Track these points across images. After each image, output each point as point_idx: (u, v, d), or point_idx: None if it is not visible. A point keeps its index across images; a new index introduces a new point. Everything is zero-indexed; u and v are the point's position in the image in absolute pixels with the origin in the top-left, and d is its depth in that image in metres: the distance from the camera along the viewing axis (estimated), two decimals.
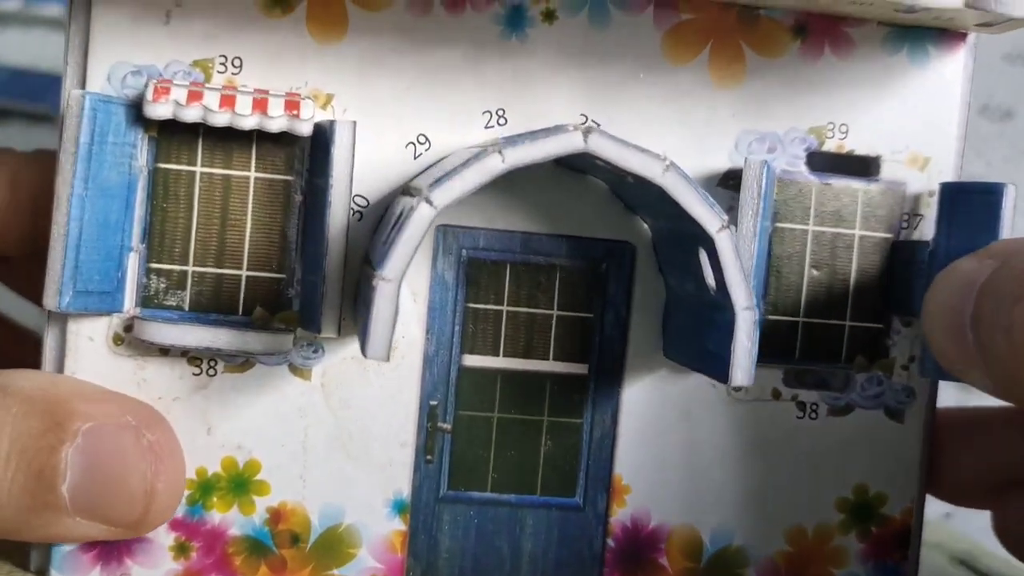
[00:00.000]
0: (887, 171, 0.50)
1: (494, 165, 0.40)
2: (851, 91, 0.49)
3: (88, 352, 0.46)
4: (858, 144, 0.50)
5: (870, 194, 0.50)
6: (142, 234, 0.46)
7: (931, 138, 0.50)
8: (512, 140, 0.40)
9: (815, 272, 0.49)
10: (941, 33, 0.49)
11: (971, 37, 0.50)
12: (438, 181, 0.40)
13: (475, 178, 0.40)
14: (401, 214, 0.41)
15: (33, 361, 0.47)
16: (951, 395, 0.52)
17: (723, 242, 0.41)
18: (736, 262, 0.41)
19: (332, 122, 0.44)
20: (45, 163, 0.53)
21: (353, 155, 0.44)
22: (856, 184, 0.49)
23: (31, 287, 0.57)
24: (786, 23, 0.49)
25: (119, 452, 0.43)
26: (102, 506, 0.43)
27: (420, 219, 0.40)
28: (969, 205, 0.47)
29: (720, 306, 0.43)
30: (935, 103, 0.50)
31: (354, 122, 0.44)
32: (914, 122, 0.50)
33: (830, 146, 0.49)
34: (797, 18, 0.49)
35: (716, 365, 0.43)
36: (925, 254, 0.49)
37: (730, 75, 0.48)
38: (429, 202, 0.40)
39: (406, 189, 0.46)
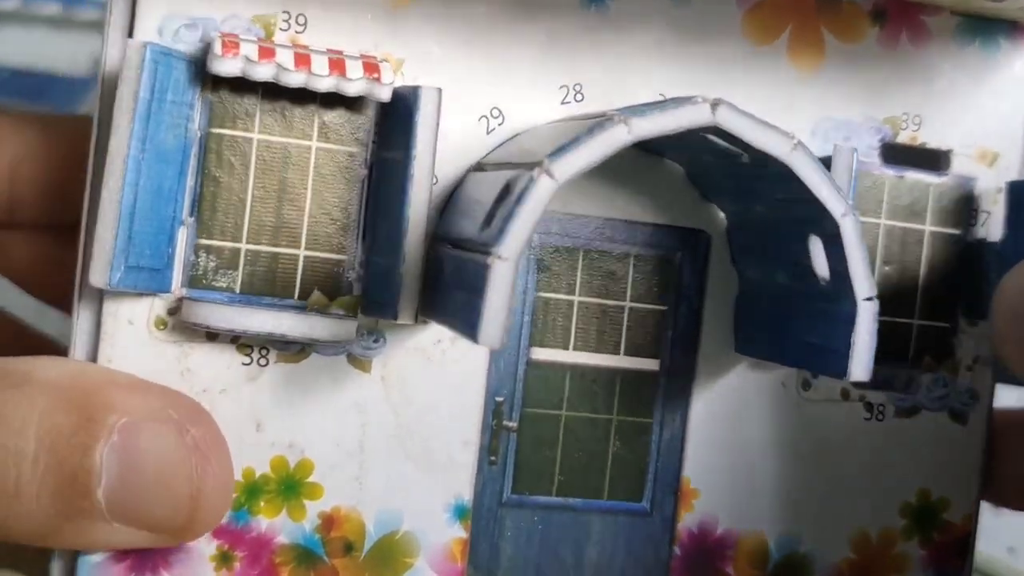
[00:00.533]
0: (957, 166, 0.48)
1: (619, 136, 0.37)
2: (925, 81, 0.48)
3: (127, 337, 0.41)
4: (930, 137, 0.48)
5: (940, 189, 0.48)
6: (191, 207, 0.41)
7: (999, 133, 0.49)
8: (639, 109, 0.37)
9: (886, 268, 0.48)
10: (1012, 27, 0.48)
11: None
12: (559, 152, 0.37)
13: (599, 149, 0.37)
14: (509, 188, 0.37)
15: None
16: (1010, 396, 0.51)
17: (848, 227, 0.39)
18: (860, 249, 0.39)
19: (416, 88, 0.40)
20: (30, 126, 0.48)
21: (437, 126, 0.40)
22: (928, 178, 0.48)
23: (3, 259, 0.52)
24: (865, 7, 0.47)
25: (161, 450, 0.38)
26: (143, 511, 0.38)
27: (541, 193, 0.36)
28: None
29: (832, 296, 0.40)
30: (1004, 98, 0.49)
31: (439, 89, 0.40)
32: (984, 116, 0.48)
33: (903, 137, 0.48)
34: (876, 3, 0.47)
35: (823, 359, 0.41)
36: (993, 253, 0.48)
37: (809, 59, 0.46)
38: (550, 174, 0.36)
39: (480, 166, 0.43)
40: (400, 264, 0.40)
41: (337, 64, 0.40)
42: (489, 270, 0.36)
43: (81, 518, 0.38)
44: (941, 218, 0.48)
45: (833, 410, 0.48)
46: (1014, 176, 0.49)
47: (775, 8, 0.46)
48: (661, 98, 0.45)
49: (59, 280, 0.52)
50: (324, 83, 0.40)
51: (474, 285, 0.37)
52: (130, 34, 0.40)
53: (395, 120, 0.41)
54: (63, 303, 0.53)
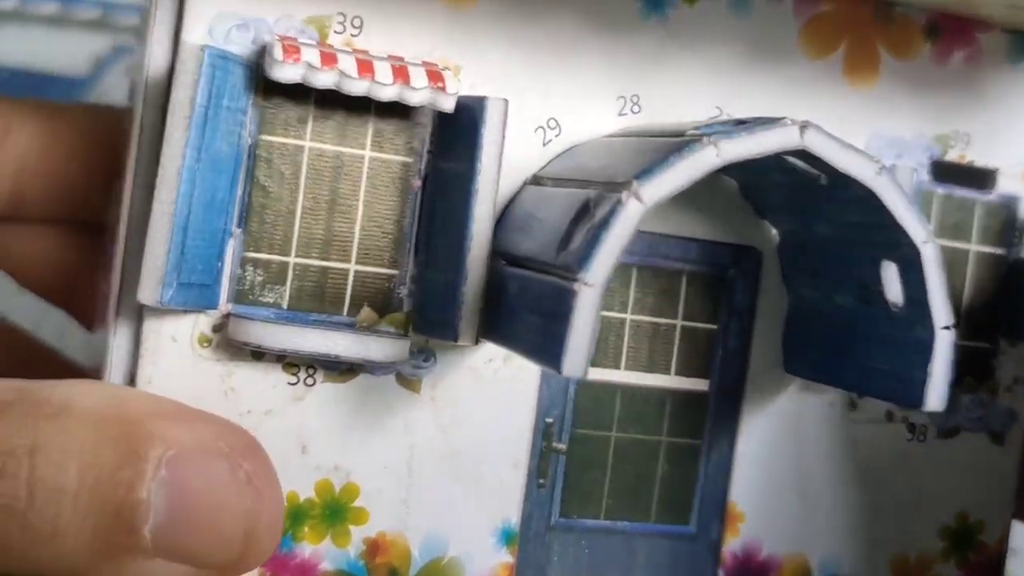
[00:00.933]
0: (1003, 184, 0.48)
1: (708, 159, 0.36)
2: (975, 99, 0.47)
3: (169, 355, 0.38)
4: (977, 155, 0.47)
5: (986, 208, 0.48)
6: (239, 218, 0.39)
7: None
8: (726, 131, 0.36)
9: None
10: None
11: None
12: (647, 173, 0.35)
13: (688, 172, 0.35)
14: (588, 209, 0.36)
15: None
16: None
17: (929, 254, 0.38)
18: (940, 277, 0.38)
19: (482, 99, 0.38)
20: (38, 116, 0.46)
21: (503, 138, 0.39)
22: (974, 196, 0.47)
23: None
24: (919, 22, 0.46)
25: (213, 485, 0.36)
26: (192, 548, 0.36)
27: (629, 217, 0.35)
28: None
29: (906, 323, 0.39)
30: None
31: (505, 100, 0.39)
32: None
33: (952, 155, 0.47)
34: (929, 17, 0.46)
35: (892, 386, 0.40)
36: None
37: (864, 75, 0.45)
38: (638, 198, 0.35)
39: (536, 179, 0.41)
40: (462, 282, 0.38)
41: (401, 72, 0.38)
42: (576, 297, 0.34)
43: (124, 556, 0.35)
44: (985, 237, 0.48)
45: (877, 431, 0.47)
46: None
47: (832, 22, 0.45)
48: (718, 111, 0.44)
49: (64, 278, 0.49)
50: (387, 92, 0.38)
51: (555, 311, 0.35)
52: (176, 34, 0.38)
53: (457, 130, 0.39)
54: (68, 304, 0.50)
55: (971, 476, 0.48)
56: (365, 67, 0.38)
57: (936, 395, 0.39)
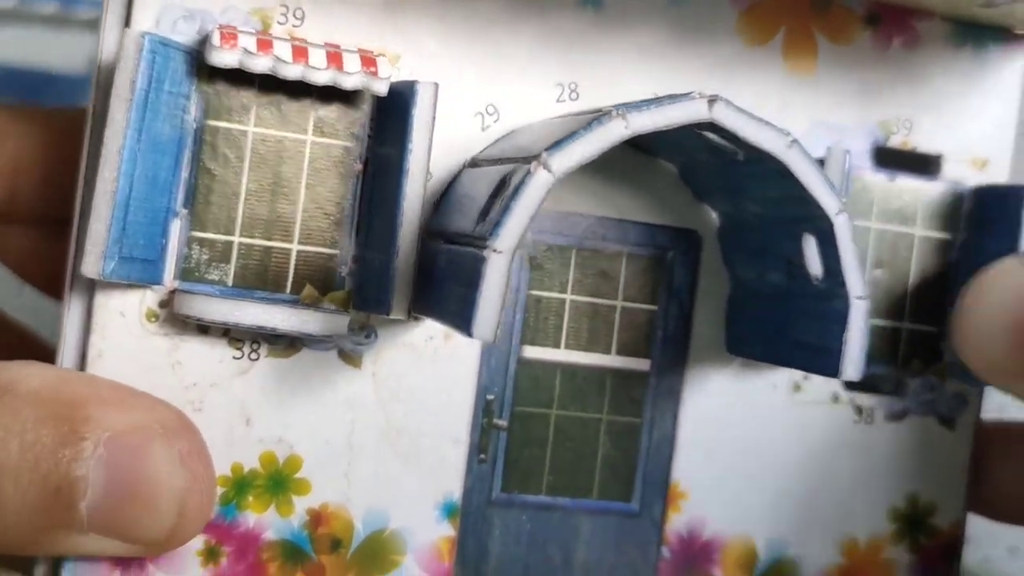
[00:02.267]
0: (948, 170, 0.49)
1: (617, 131, 0.37)
2: (916, 86, 0.48)
3: (118, 329, 0.40)
4: (921, 141, 0.48)
5: (931, 194, 0.48)
6: (185, 198, 0.41)
7: (990, 139, 0.49)
8: (636, 104, 0.37)
9: (877, 272, 0.48)
10: (1003, 33, 0.49)
11: None
12: (557, 145, 0.37)
13: (596, 144, 0.37)
14: (505, 181, 0.37)
15: None
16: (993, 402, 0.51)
17: (842, 226, 0.39)
18: (852, 248, 0.39)
19: (412, 83, 0.40)
20: (31, 119, 0.48)
21: (434, 121, 0.40)
22: (919, 182, 0.48)
23: None
24: (857, 10, 0.47)
25: (146, 465, 0.37)
26: (126, 525, 0.38)
27: (538, 186, 0.36)
28: (993, 207, 0.47)
29: (824, 295, 0.40)
30: (994, 103, 0.49)
31: (436, 84, 0.40)
32: (974, 122, 0.49)
33: (895, 142, 0.48)
34: (868, 5, 0.47)
35: (816, 359, 0.41)
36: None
37: (803, 61, 0.47)
38: (547, 168, 0.36)
39: (474, 162, 0.43)
40: (393, 259, 0.40)
41: (335, 58, 0.40)
42: (485, 263, 0.36)
43: (61, 531, 0.37)
44: (931, 222, 0.48)
45: (823, 412, 0.48)
46: (1003, 180, 0.49)
47: (770, 9, 0.46)
48: (654, 97, 0.45)
49: (57, 274, 0.52)
50: (321, 76, 0.40)
51: (469, 278, 0.37)
52: (127, 25, 0.40)
53: (391, 115, 0.41)
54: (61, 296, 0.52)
55: (921, 459, 0.49)
56: (300, 53, 0.40)
57: (852, 364, 0.40)
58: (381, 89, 0.40)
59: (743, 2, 0.46)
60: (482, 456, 0.44)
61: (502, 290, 0.36)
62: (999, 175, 0.49)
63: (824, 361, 0.40)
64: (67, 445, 0.37)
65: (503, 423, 0.44)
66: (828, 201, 0.39)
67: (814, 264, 0.41)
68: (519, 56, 0.44)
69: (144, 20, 0.40)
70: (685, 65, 0.45)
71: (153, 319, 0.41)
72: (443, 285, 0.39)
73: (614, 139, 0.37)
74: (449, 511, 0.44)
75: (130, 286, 0.40)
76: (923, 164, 0.48)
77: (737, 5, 0.46)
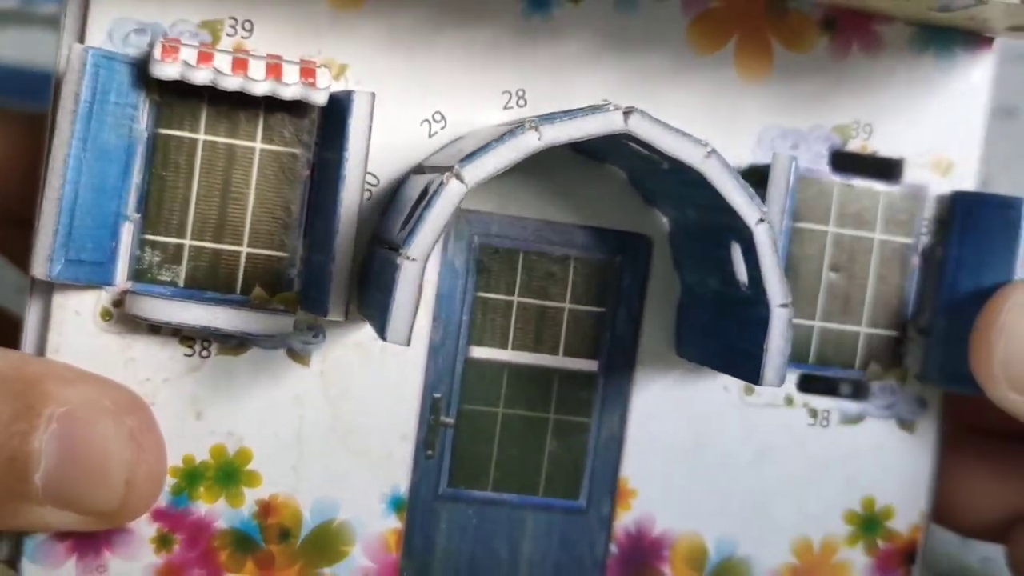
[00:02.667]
0: (910, 174, 0.49)
1: (529, 142, 0.38)
2: (877, 90, 0.48)
3: (74, 327, 0.43)
4: (882, 145, 0.48)
5: (892, 197, 0.48)
6: (138, 204, 0.43)
7: (955, 142, 0.49)
8: (549, 117, 0.38)
9: (833, 275, 0.48)
10: (969, 36, 0.48)
11: (997, 42, 0.49)
12: (470, 157, 0.38)
13: (509, 155, 0.38)
14: (427, 191, 0.39)
15: None
16: None
17: (761, 235, 0.39)
18: (773, 256, 0.40)
19: (350, 92, 0.42)
20: (17, 122, 0.50)
21: (370, 129, 0.42)
22: (878, 186, 0.48)
23: None
24: (814, 17, 0.47)
25: (97, 439, 0.40)
26: (78, 496, 0.40)
27: (449, 196, 0.38)
28: (985, 217, 0.46)
29: (752, 302, 0.41)
30: (960, 107, 0.49)
31: (373, 93, 0.42)
32: (938, 125, 0.48)
33: (854, 146, 0.48)
34: (826, 12, 0.47)
35: (745, 364, 0.41)
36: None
37: (756, 68, 0.47)
38: (460, 178, 0.38)
39: (420, 168, 0.44)
40: (330, 263, 0.42)
41: (274, 69, 0.42)
42: (399, 270, 0.37)
43: (17, 501, 0.39)
44: (892, 226, 0.48)
45: (776, 415, 0.48)
46: (969, 185, 0.49)
47: (721, 17, 0.46)
48: (604, 104, 0.46)
49: None
50: (260, 87, 0.41)
51: (386, 284, 0.38)
52: (83, 37, 0.42)
53: (333, 123, 0.43)
54: None
55: (879, 462, 0.49)
56: (239, 65, 0.41)
57: (772, 372, 0.40)
58: (319, 99, 0.42)
59: (694, 9, 0.46)
60: (429, 452, 0.46)
61: (415, 296, 0.38)
62: (966, 178, 0.49)
63: (750, 367, 0.41)
64: (22, 419, 0.39)
65: (450, 420, 0.46)
66: (747, 211, 0.39)
67: (741, 271, 0.41)
68: (466, 64, 0.45)
69: (98, 32, 0.42)
70: (634, 73, 0.46)
71: (107, 317, 0.43)
72: (371, 288, 0.40)
73: (527, 151, 0.38)
74: (396, 504, 0.45)
75: (86, 286, 0.42)
76: (883, 168, 0.48)
77: (688, 12, 0.46)
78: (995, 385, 0.44)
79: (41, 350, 0.43)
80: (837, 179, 0.48)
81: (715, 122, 0.47)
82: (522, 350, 0.46)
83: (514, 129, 0.38)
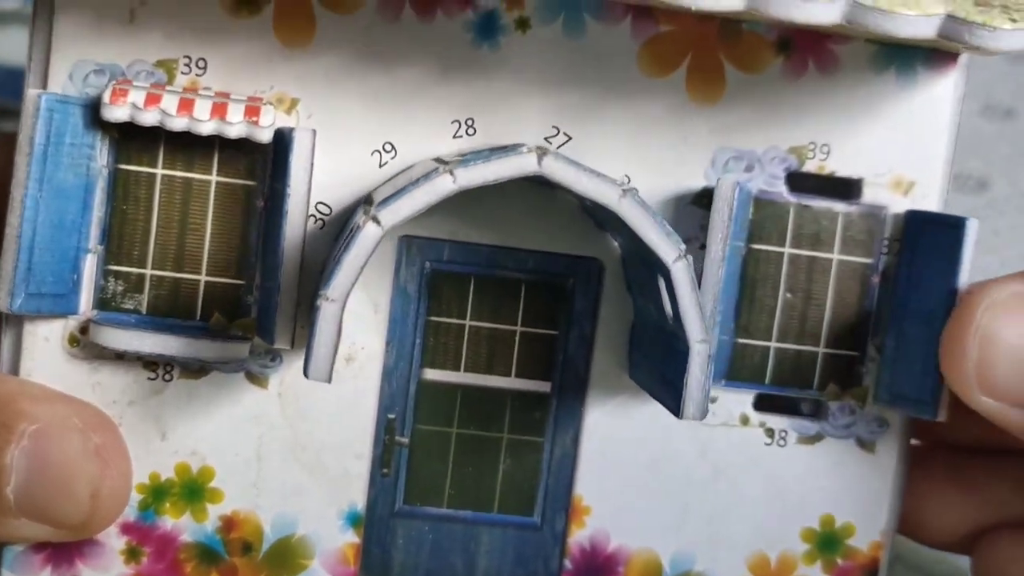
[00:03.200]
0: (869, 194, 0.48)
1: (444, 186, 0.39)
2: (834, 111, 0.48)
3: (44, 353, 0.45)
4: (840, 166, 0.48)
5: (850, 218, 0.48)
6: (101, 235, 0.45)
7: (917, 162, 0.48)
8: (465, 160, 0.39)
9: (790, 296, 0.48)
10: (932, 53, 0.48)
11: (963, 57, 0.48)
12: (387, 200, 0.39)
13: (424, 198, 0.39)
14: (351, 230, 0.40)
15: None
16: None
17: (679, 273, 0.40)
18: (692, 294, 0.40)
19: (291, 130, 0.43)
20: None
21: (312, 164, 0.43)
22: (836, 207, 0.48)
23: None
24: (769, 38, 0.47)
25: (64, 455, 0.43)
26: (47, 508, 0.43)
27: (366, 239, 0.39)
28: (932, 237, 0.46)
29: (678, 336, 0.41)
30: (923, 126, 0.48)
31: (313, 131, 0.43)
32: (899, 145, 0.48)
33: (810, 167, 0.48)
34: (781, 33, 0.47)
35: (670, 396, 0.42)
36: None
37: (708, 91, 0.47)
38: (376, 221, 0.39)
39: (368, 198, 0.45)
40: (276, 291, 0.43)
41: (219, 109, 0.43)
42: (318, 311, 0.39)
43: None
44: (850, 247, 0.48)
45: (732, 434, 0.49)
46: (933, 204, 0.49)
47: (672, 40, 0.47)
48: (555, 131, 0.47)
49: None
50: (205, 127, 0.43)
51: (312, 321, 0.40)
52: (46, 79, 0.44)
53: (280, 157, 0.44)
54: None
55: (838, 481, 0.49)
56: (185, 105, 0.43)
57: (692, 406, 0.41)
58: (264, 137, 0.44)
59: (644, 34, 0.47)
60: (385, 470, 0.47)
61: (334, 336, 0.39)
62: (928, 197, 0.48)
63: (673, 399, 0.42)
64: None
65: (404, 440, 0.47)
66: (664, 250, 0.40)
67: (667, 305, 0.42)
68: (415, 94, 0.46)
69: (60, 74, 0.44)
70: (584, 99, 0.47)
71: (75, 344, 0.45)
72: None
73: (442, 194, 0.39)
74: (353, 520, 0.47)
75: (54, 316, 0.45)
76: (841, 188, 0.48)
77: (638, 37, 0.47)
78: (968, 388, 0.44)
79: (15, 374, 0.45)
80: (793, 200, 0.48)
81: (667, 146, 0.47)
82: (474, 372, 0.47)
83: (430, 173, 0.39)
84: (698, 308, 0.40)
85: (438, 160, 0.44)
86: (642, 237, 0.40)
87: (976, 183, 0.77)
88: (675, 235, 0.40)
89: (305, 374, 0.39)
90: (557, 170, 0.39)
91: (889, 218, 0.48)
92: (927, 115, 0.48)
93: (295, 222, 0.43)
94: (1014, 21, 0.38)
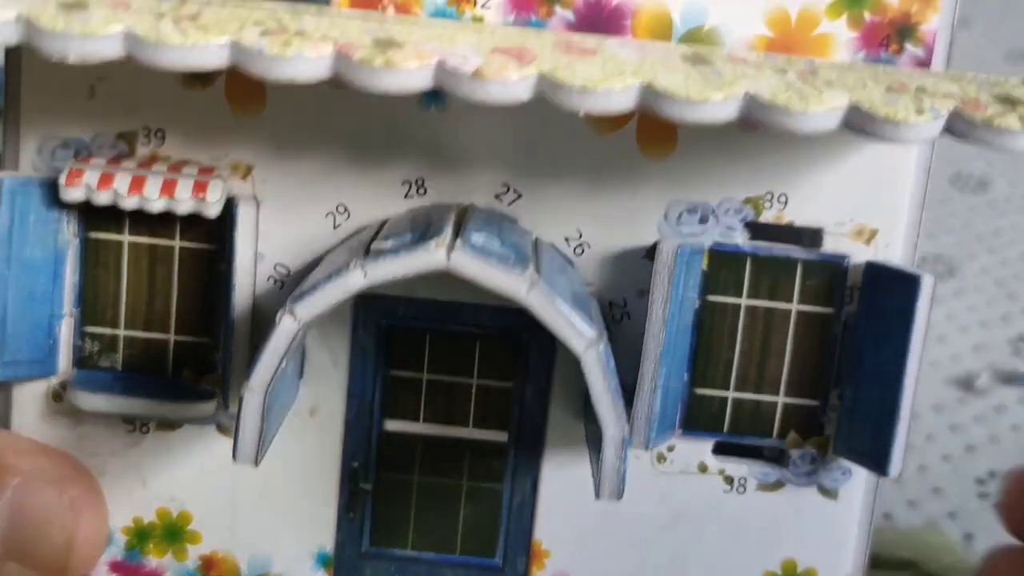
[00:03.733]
0: (829, 243, 0.47)
1: (356, 282, 0.40)
2: (791, 160, 0.47)
3: (32, 408, 0.49)
4: (798, 215, 0.47)
5: (810, 267, 0.47)
6: (76, 299, 0.48)
7: (879, 210, 0.47)
8: (376, 255, 0.40)
9: (747, 346, 0.48)
10: None
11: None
12: (302, 295, 0.41)
13: (337, 293, 0.40)
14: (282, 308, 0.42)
15: None
16: None
17: (589, 363, 0.41)
18: (604, 382, 0.41)
19: (235, 200, 0.45)
20: None
21: (256, 235, 0.45)
22: (795, 256, 0.47)
23: None
24: None
25: (42, 506, 0.46)
26: (30, 554, 0.47)
27: (283, 332, 0.41)
28: (888, 289, 0.45)
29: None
30: (884, 173, 0.47)
31: (257, 202, 0.45)
32: (860, 193, 0.47)
33: (768, 217, 0.47)
34: None
35: (595, 472, 0.43)
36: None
37: (659, 145, 0.47)
38: (293, 315, 0.41)
39: (319, 260, 0.47)
40: (228, 356, 0.46)
41: (168, 186, 0.45)
42: (242, 400, 0.41)
43: None
44: (810, 297, 0.48)
45: (690, 481, 0.49)
46: (897, 253, 0.47)
47: None
48: (505, 188, 0.47)
49: None
50: (155, 206, 0.45)
51: (237, 410, 0.42)
52: (17, 155, 0.47)
53: (230, 227, 0.46)
54: None
55: (800, 527, 0.49)
56: (136, 185, 0.45)
57: (607, 488, 0.42)
58: (211, 212, 0.45)
59: None
60: (351, 515, 0.50)
61: (258, 423, 0.41)
62: (892, 246, 0.47)
63: (596, 476, 0.42)
64: None
65: (368, 487, 0.49)
66: (574, 341, 0.40)
67: None
68: (366, 157, 0.47)
69: (29, 150, 0.47)
70: (532, 156, 0.47)
71: (58, 400, 0.49)
72: None
73: (353, 290, 0.40)
74: (324, 561, 0.50)
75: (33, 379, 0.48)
76: (799, 238, 0.48)
77: None
78: None
79: (7, 427, 0.49)
80: (749, 251, 0.47)
81: (619, 200, 0.47)
82: (433, 423, 0.49)
83: (341, 269, 0.40)
84: (609, 395, 0.41)
85: (381, 224, 0.46)
86: (550, 328, 0.40)
87: (976, 183, 0.74)
88: (585, 322, 0.41)
89: (233, 458, 0.41)
90: (464, 265, 0.40)
91: (851, 267, 0.47)
92: (890, 162, 0.47)
93: (242, 295, 0.45)
94: (920, 113, 0.36)
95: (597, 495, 0.42)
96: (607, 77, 0.37)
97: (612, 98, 0.37)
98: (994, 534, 0.60)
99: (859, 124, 0.37)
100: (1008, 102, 0.37)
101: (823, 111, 0.37)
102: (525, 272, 0.40)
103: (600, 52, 0.38)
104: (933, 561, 0.62)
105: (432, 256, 0.40)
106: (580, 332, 0.41)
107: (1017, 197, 0.71)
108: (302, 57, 0.36)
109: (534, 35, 0.41)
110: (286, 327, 0.41)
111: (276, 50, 0.36)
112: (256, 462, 0.42)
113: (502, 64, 0.36)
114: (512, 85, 0.37)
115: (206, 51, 0.36)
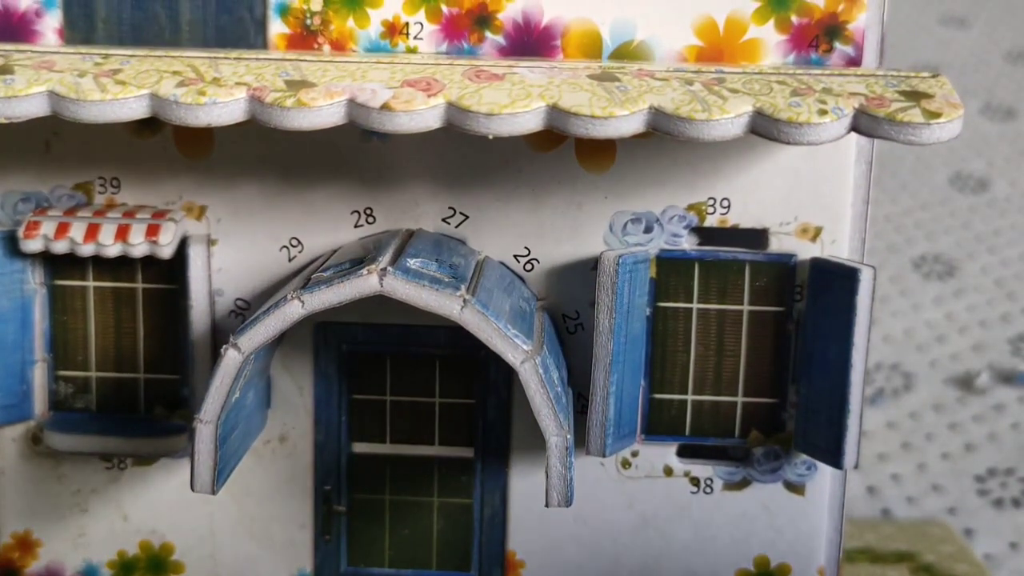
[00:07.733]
0: (775, 243, 0.48)
1: (294, 311, 0.42)
2: (729, 165, 0.47)
3: (12, 451, 0.50)
4: (742, 218, 0.48)
5: (757, 268, 0.48)
6: (48, 345, 0.50)
7: (821, 207, 0.48)
8: (314, 286, 0.42)
9: (701, 349, 0.48)
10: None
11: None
12: (244, 328, 0.42)
13: (277, 324, 0.42)
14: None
15: None
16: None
17: (525, 375, 0.41)
18: (542, 392, 0.42)
19: (187, 239, 0.46)
20: None
21: (209, 273, 0.47)
22: (742, 257, 0.48)
23: None
24: None
25: None
26: None
27: (229, 364, 0.42)
28: (831, 284, 0.46)
29: None
30: (824, 171, 0.47)
31: (208, 241, 0.46)
32: (801, 192, 0.47)
33: (711, 222, 0.48)
34: None
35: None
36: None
37: (599, 159, 0.48)
38: (237, 348, 0.42)
39: (274, 291, 0.48)
40: (191, 391, 0.47)
41: (122, 231, 0.47)
42: (194, 433, 0.42)
43: None
44: (760, 297, 0.48)
45: (657, 485, 0.50)
46: (843, 248, 0.48)
47: None
48: (451, 211, 0.48)
49: None
50: (111, 251, 0.47)
51: (192, 442, 0.43)
52: None
53: (184, 268, 0.48)
54: None
55: (769, 524, 0.50)
56: (91, 232, 0.47)
57: (554, 496, 0.42)
58: (165, 254, 0.47)
59: None
60: (327, 537, 0.51)
61: (212, 454, 0.43)
62: (838, 242, 0.48)
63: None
64: None
65: (341, 508, 0.50)
66: (510, 355, 0.41)
67: None
68: (314, 190, 0.48)
69: None
70: (475, 177, 0.48)
71: (37, 442, 0.50)
72: None
73: (293, 319, 0.42)
74: None
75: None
76: (745, 240, 0.48)
77: None
78: None
79: None
80: (696, 256, 0.48)
81: (564, 215, 0.48)
82: (400, 443, 0.50)
83: (280, 301, 0.42)
84: (550, 405, 0.42)
85: (331, 254, 0.47)
86: (486, 344, 0.41)
87: (976, 183, 0.74)
88: (520, 336, 0.41)
89: (191, 488, 0.43)
90: (397, 288, 0.41)
91: (799, 265, 0.48)
92: (829, 159, 0.47)
93: (198, 322, 0.47)
94: (823, 114, 0.37)
95: (547, 503, 0.42)
96: (513, 101, 0.38)
97: (518, 121, 0.38)
98: (992, 530, 0.61)
99: (765, 129, 0.38)
100: (913, 96, 0.38)
101: (727, 119, 0.37)
102: (456, 292, 0.41)
103: (508, 77, 0.39)
104: (931, 552, 0.62)
105: (366, 282, 0.41)
106: (516, 346, 0.41)
107: (1017, 197, 0.71)
108: (216, 103, 0.37)
109: (446, 65, 0.42)
110: (231, 359, 0.42)
111: (191, 99, 0.37)
112: (214, 491, 0.43)
113: (410, 96, 0.38)
114: (419, 115, 0.38)
115: (125, 105, 0.37)
